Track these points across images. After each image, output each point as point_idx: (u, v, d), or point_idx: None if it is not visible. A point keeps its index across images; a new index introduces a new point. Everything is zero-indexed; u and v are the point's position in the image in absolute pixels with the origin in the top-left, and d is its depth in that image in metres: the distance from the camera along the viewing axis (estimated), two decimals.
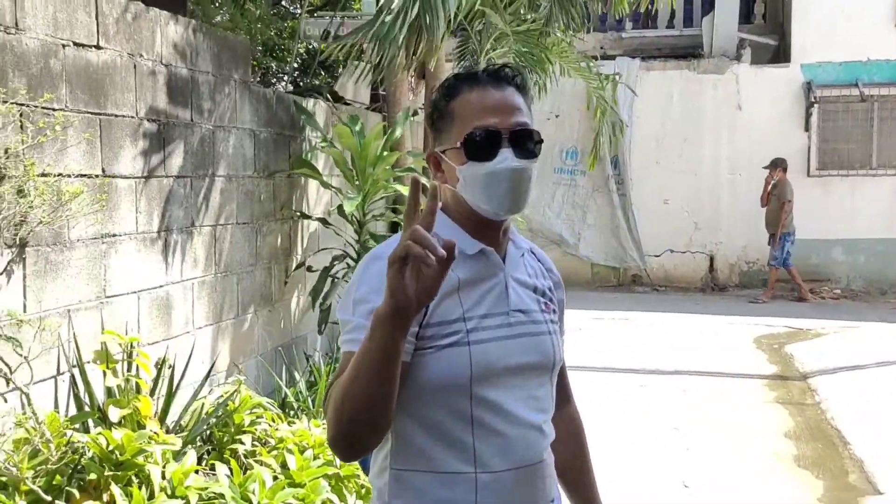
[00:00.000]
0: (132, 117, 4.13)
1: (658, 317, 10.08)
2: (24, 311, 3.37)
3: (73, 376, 3.56)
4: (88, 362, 3.57)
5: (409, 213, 1.39)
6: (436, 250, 1.33)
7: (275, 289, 5.65)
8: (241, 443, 3.90)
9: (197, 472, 3.48)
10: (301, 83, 10.19)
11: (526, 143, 1.66)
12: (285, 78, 10.79)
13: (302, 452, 3.79)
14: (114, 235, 3.99)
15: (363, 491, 3.70)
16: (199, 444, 3.90)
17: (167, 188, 4.42)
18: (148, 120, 4.26)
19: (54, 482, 3.01)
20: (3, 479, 2.90)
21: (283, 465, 3.73)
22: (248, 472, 3.57)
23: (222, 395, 4.25)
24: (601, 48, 12.77)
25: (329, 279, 5.54)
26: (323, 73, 10.37)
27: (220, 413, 4.03)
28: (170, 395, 3.89)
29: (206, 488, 3.29)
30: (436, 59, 7.06)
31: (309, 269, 5.87)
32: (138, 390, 3.53)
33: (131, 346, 3.66)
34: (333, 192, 6.03)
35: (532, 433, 1.68)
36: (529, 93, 1.78)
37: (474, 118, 1.65)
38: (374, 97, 8.27)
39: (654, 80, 12.18)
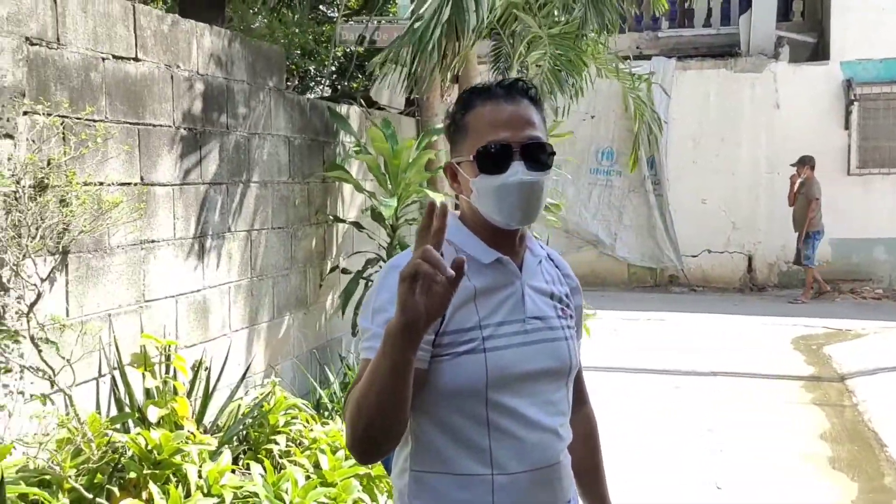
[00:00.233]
0: (169, 126, 4.25)
1: (695, 317, 10.02)
2: (67, 316, 3.49)
3: (113, 378, 3.67)
4: (128, 365, 3.69)
5: (421, 231, 1.44)
6: (444, 270, 1.38)
7: (310, 292, 5.75)
8: (276, 443, 4.00)
9: (233, 471, 3.58)
10: (339, 86, 10.31)
11: (538, 156, 1.70)
12: (324, 81, 10.93)
13: (334, 453, 3.87)
14: (152, 241, 4.11)
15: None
16: (235, 444, 4.00)
17: (203, 194, 4.53)
18: (185, 128, 4.37)
19: (95, 480, 3.11)
20: (47, 477, 3.01)
21: (316, 465, 3.82)
22: (282, 471, 3.66)
23: (258, 397, 4.35)
24: (637, 48, 12.72)
25: (361, 282, 5.62)
26: (360, 76, 10.48)
27: (255, 414, 4.13)
28: (206, 397, 4.00)
29: (241, 487, 3.39)
30: (467, 62, 7.13)
31: (344, 271, 5.96)
32: (175, 392, 3.64)
33: (168, 349, 3.77)
34: (367, 195, 6.12)
35: (548, 436, 1.73)
36: (543, 105, 1.84)
37: (487, 132, 1.70)
38: (410, 101, 8.34)
39: (691, 80, 12.11)
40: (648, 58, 12.26)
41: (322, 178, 5.86)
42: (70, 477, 2.98)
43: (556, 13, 7.01)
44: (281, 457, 3.94)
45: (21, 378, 3.12)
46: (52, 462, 2.99)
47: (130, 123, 3.95)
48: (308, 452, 3.94)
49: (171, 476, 3.25)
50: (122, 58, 3.90)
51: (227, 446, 3.73)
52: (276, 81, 5.33)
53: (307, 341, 5.69)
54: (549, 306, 1.80)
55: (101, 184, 3.68)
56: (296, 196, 5.54)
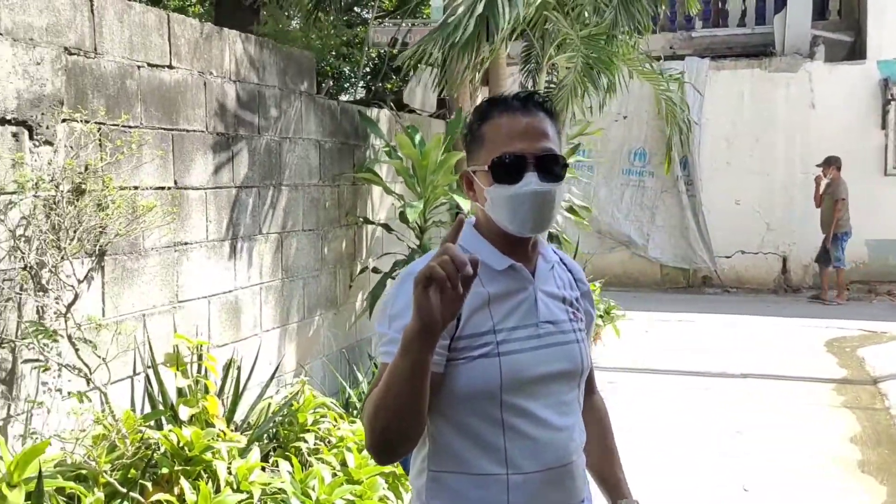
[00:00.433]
0: (202, 132, 4.36)
1: (727, 319, 9.96)
2: (103, 316, 3.61)
3: (147, 377, 3.78)
4: (161, 364, 3.80)
5: (445, 243, 1.51)
6: (463, 266, 1.44)
7: (339, 292, 5.84)
8: (305, 441, 4.08)
9: (263, 468, 3.67)
10: (372, 87, 10.41)
11: (551, 167, 1.75)
12: (358, 83, 11.05)
13: (361, 451, 3.94)
14: (185, 244, 4.22)
15: None
16: (265, 441, 4.09)
17: (235, 197, 4.64)
18: (217, 133, 4.48)
19: (129, 475, 3.21)
20: (83, 471, 3.12)
21: (343, 463, 3.89)
22: (310, 468, 3.74)
23: (287, 395, 4.44)
24: (671, 48, 12.67)
25: (389, 283, 5.70)
26: (394, 78, 10.57)
27: (284, 412, 4.22)
28: (236, 395, 4.09)
29: (269, 483, 3.47)
30: (496, 63, 7.17)
31: (374, 270, 6.04)
32: (207, 391, 3.74)
33: (200, 348, 3.87)
34: (395, 197, 6.19)
35: (561, 436, 1.78)
36: (559, 117, 1.89)
37: (503, 142, 1.75)
38: (441, 103, 8.40)
39: (725, 80, 12.03)
40: (682, 58, 12.20)
41: (352, 181, 5.95)
42: (105, 472, 3.08)
43: (586, 14, 7.03)
44: (309, 454, 4.02)
45: (59, 376, 3.24)
46: (88, 457, 3.10)
47: (164, 129, 4.06)
48: (335, 450, 4.01)
49: (201, 472, 3.34)
50: (156, 65, 4.01)
51: (256, 444, 3.81)
52: (307, 86, 5.42)
53: (337, 341, 5.78)
54: (560, 310, 1.85)
55: (136, 188, 3.79)
56: (326, 198, 5.64)
